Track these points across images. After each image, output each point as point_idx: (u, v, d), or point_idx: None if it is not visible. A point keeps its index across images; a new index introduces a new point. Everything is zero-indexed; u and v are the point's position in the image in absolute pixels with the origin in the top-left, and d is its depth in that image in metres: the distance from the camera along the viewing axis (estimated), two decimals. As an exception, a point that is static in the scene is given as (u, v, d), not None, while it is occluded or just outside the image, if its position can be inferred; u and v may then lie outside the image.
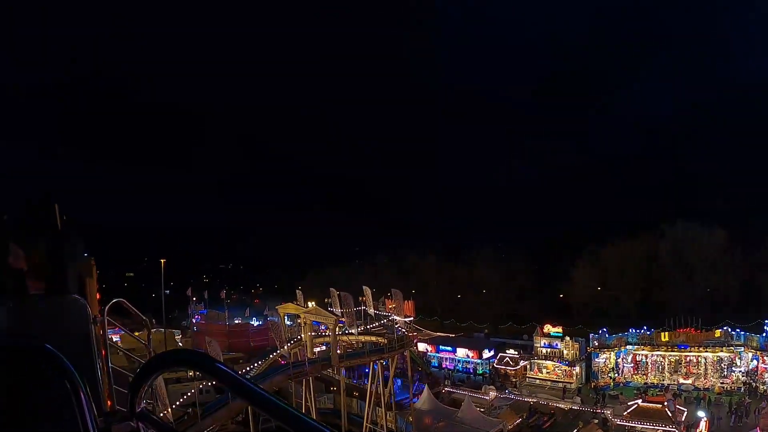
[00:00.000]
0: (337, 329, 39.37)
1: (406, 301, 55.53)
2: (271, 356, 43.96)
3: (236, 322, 75.06)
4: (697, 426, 39.33)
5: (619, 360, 54.90)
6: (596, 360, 54.65)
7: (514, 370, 58.24)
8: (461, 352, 65.48)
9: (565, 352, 54.92)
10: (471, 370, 64.06)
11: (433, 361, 67.13)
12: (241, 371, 30.92)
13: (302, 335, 42.79)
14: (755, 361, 50.52)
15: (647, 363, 54.31)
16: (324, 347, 44.68)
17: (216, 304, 78.34)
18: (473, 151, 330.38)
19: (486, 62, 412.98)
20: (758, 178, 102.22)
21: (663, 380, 53.21)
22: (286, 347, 41.84)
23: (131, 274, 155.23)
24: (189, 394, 32.38)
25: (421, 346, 67.47)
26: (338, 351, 38.76)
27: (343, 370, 42.86)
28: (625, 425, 40.69)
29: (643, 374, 54.25)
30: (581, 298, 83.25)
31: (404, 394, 46.95)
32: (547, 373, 55.80)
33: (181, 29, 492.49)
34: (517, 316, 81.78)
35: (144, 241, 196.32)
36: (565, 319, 67.84)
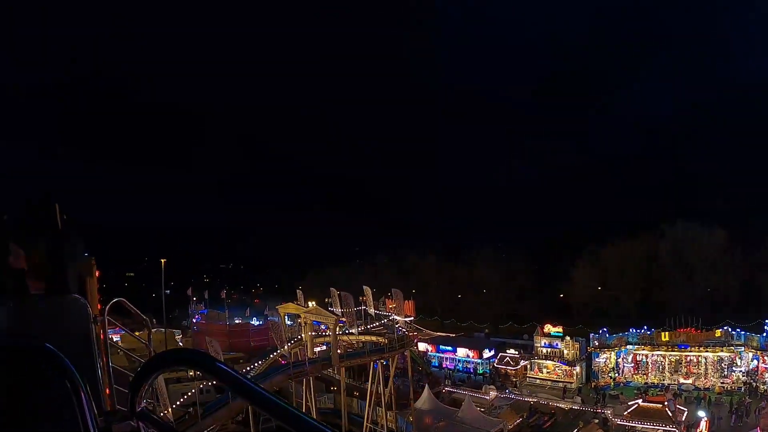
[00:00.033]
0: (337, 329, 39.38)
1: (406, 301, 55.53)
2: (271, 356, 43.98)
3: (236, 321, 75.04)
4: (698, 426, 39.30)
5: (620, 360, 54.88)
6: (596, 360, 54.63)
7: (514, 369, 58.24)
8: (461, 352, 65.47)
9: (565, 351, 54.91)
10: (471, 370, 64.05)
11: (433, 360, 67.14)
12: (242, 371, 30.92)
13: (302, 335, 42.82)
14: (755, 361, 50.50)
15: (647, 363, 54.29)
16: (324, 347, 44.70)
17: (216, 303, 78.37)
18: (473, 151, 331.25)
19: (486, 62, 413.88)
20: (758, 178, 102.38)
21: (663, 380, 53.18)
22: (286, 347, 41.85)
23: (131, 274, 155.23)
24: (189, 393, 32.38)
25: (422, 346, 67.47)
26: (338, 351, 38.77)
27: (343, 370, 42.87)
28: (626, 425, 40.66)
29: (644, 374, 54.23)
30: (581, 298, 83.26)
31: (404, 393, 46.94)
32: (548, 372, 55.79)
33: (181, 29, 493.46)
34: (517, 316, 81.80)
35: (144, 241, 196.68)
36: (566, 319, 67.85)
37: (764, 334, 50.01)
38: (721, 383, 51.16)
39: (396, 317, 51.03)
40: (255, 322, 74.54)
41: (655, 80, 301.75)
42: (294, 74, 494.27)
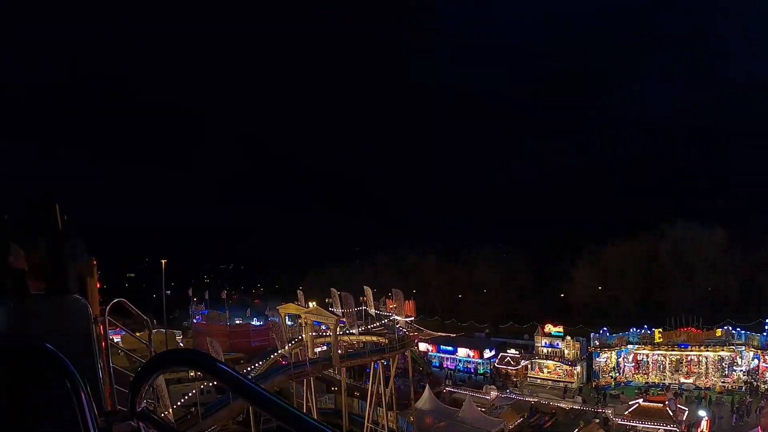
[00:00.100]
0: (338, 329, 39.37)
1: (406, 301, 55.50)
2: (272, 356, 43.94)
3: (237, 322, 75.10)
4: (698, 425, 39.30)
5: (620, 359, 54.88)
6: (597, 359, 54.63)
7: (515, 369, 58.25)
8: (462, 352, 65.47)
9: (566, 351, 54.91)
10: (472, 370, 64.05)
11: (434, 360, 67.14)
12: (243, 371, 30.93)
13: (303, 335, 42.78)
14: (756, 360, 50.49)
15: (648, 362, 54.29)
16: (325, 347, 44.67)
17: (217, 304, 78.35)
18: (473, 151, 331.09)
19: (486, 62, 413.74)
20: (758, 178, 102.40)
21: (664, 379, 53.19)
22: (287, 347, 41.81)
23: (132, 275, 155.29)
24: (190, 394, 32.38)
25: (422, 346, 67.47)
26: (339, 351, 38.77)
27: (344, 370, 42.86)
28: (627, 425, 40.67)
29: (644, 374, 54.24)
30: (581, 298, 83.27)
31: (405, 393, 46.93)
32: (548, 372, 55.79)
33: (181, 29, 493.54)
34: (517, 316, 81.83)
35: (144, 241, 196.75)
36: (566, 318, 67.84)
37: (765, 334, 49.98)
38: (722, 383, 51.15)
39: (396, 317, 50.99)
40: (255, 322, 74.57)
41: (655, 80, 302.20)
42: (294, 74, 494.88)
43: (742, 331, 52.07)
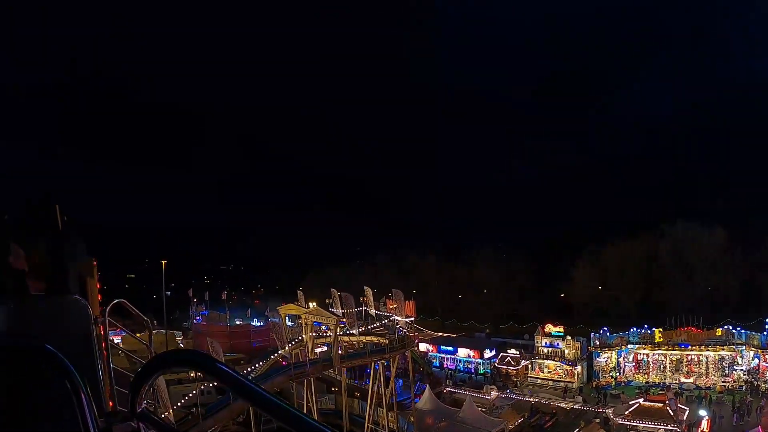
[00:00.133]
0: (338, 330, 39.36)
1: (407, 302, 55.48)
2: (272, 357, 43.94)
3: (237, 323, 75.05)
4: (699, 425, 39.31)
5: (621, 359, 54.87)
6: (597, 359, 54.63)
7: (515, 369, 58.24)
8: (462, 352, 65.46)
9: (566, 351, 54.89)
10: (472, 370, 64.04)
11: (434, 361, 67.12)
12: (243, 372, 30.93)
13: (303, 336, 42.78)
14: (757, 360, 50.49)
15: (648, 362, 54.29)
16: (325, 348, 44.62)
17: (217, 305, 78.27)
18: (473, 151, 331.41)
19: (486, 62, 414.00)
20: (758, 178, 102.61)
21: (664, 379, 53.19)
22: (287, 348, 41.80)
23: (132, 276, 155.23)
24: (190, 395, 32.38)
25: (423, 347, 67.44)
26: (339, 351, 38.75)
27: (344, 371, 42.85)
28: (627, 424, 40.66)
29: (645, 373, 54.24)
30: (581, 298, 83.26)
31: (406, 394, 46.94)
32: (549, 372, 55.78)
33: (181, 29, 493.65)
34: (517, 316, 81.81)
35: (144, 241, 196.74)
36: (566, 318, 67.82)
37: (765, 333, 50.00)
38: (723, 382, 51.17)
39: (397, 318, 50.98)
40: (256, 323, 74.54)
41: (655, 80, 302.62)
42: (294, 74, 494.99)
43: (743, 331, 52.08)
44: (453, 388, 55.14)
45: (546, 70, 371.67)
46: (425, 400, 44.44)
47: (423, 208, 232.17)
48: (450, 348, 67.06)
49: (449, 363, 66.18)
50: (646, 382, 53.24)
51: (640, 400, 41.98)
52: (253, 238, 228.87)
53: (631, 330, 55.71)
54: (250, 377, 32.19)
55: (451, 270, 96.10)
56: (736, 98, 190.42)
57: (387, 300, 56.01)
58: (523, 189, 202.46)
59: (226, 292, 78.48)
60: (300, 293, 58.34)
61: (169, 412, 25.90)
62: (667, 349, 53.44)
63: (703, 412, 41.08)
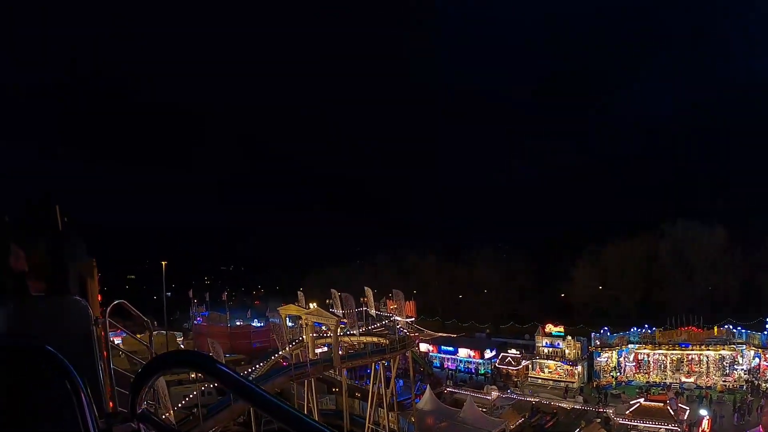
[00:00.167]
0: (338, 330, 39.35)
1: (407, 302, 55.54)
2: (272, 358, 43.96)
3: (238, 323, 75.09)
4: (700, 424, 39.30)
5: (621, 359, 54.86)
6: (598, 359, 54.62)
7: (516, 369, 58.23)
8: (463, 353, 65.45)
9: (566, 351, 54.88)
10: (473, 370, 64.02)
11: (435, 361, 67.11)
12: (243, 373, 30.92)
13: (304, 336, 42.78)
14: (757, 359, 50.50)
15: (649, 362, 54.29)
16: (326, 348, 44.59)
17: (217, 305, 78.32)
18: (473, 151, 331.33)
19: (486, 62, 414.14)
20: (758, 178, 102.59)
21: (665, 379, 53.19)
22: (287, 348, 41.80)
23: (132, 277, 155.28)
24: (191, 396, 32.38)
25: (423, 347, 67.44)
26: (340, 352, 38.75)
27: (344, 371, 42.84)
28: (628, 424, 40.68)
29: (645, 373, 54.23)
30: (582, 298, 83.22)
31: (406, 394, 46.93)
32: (549, 372, 55.77)
33: (181, 29, 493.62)
34: (518, 316, 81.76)
35: (144, 241, 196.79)
36: (566, 318, 67.83)
37: (766, 332, 50.01)
38: (723, 381, 51.16)
39: (397, 318, 50.99)
40: (256, 323, 74.56)
41: (655, 80, 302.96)
42: (294, 74, 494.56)
43: (743, 330, 52.09)
44: (453, 388, 55.14)
45: (546, 70, 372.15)
46: (426, 400, 44.44)
47: (423, 208, 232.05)
48: (450, 348, 67.04)
49: (450, 363, 66.16)
50: (647, 382, 53.23)
51: (641, 400, 42.01)
52: (253, 238, 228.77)
53: (632, 330, 55.71)
54: (251, 378, 32.22)
55: (452, 270, 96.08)
56: (736, 98, 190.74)
57: (387, 300, 56.06)
58: (523, 189, 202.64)
59: (226, 293, 78.59)
60: (300, 294, 58.36)
61: (169, 413, 25.90)
62: (667, 349, 53.44)
63: (703, 412, 41.08)
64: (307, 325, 42.02)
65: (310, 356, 39.18)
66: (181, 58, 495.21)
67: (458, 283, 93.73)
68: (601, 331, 56.25)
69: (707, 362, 52.26)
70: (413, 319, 61.55)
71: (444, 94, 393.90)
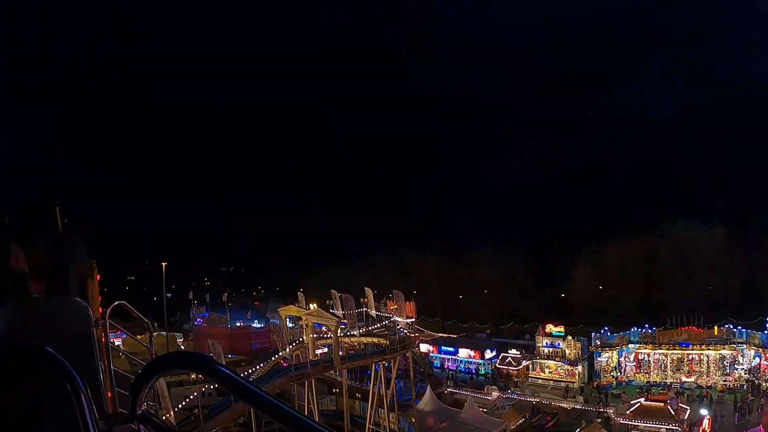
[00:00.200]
0: (339, 331, 39.35)
1: (407, 302, 55.50)
2: (273, 358, 43.95)
3: (238, 324, 75.06)
4: (700, 424, 39.29)
5: (622, 359, 54.85)
6: (598, 359, 54.61)
7: (516, 370, 58.21)
8: (463, 353, 65.44)
9: (567, 351, 54.87)
10: (473, 371, 64.02)
11: (435, 361, 67.10)
12: (244, 374, 30.91)
13: (304, 337, 42.78)
14: (758, 359, 50.49)
15: (649, 361, 54.27)
16: (326, 349, 44.57)
17: (217, 306, 78.32)
18: (473, 151, 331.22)
19: (486, 62, 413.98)
20: (758, 178, 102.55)
21: (665, 379, 53.17)
22: (288, 349, 41.80)
23: (132, 278, 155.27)
24: (191, 397, 32.38)
25: (423, 347, 67.42)
26: (340, 353, 38.74)
27: (345, 372, 42.85)
28: (628, 424, 40.67)
29: (646, 373, 54.22)
30: (582, 298, 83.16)
31: (407, 395, 46.92)
32: (550, 372, 55.76)
33: (181, 29, 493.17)
34: (518, 316, 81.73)
35: (144, 242, 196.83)
36: (566, 318, 67.77)
37: (766, 332, 50.01)
38: (724, 381, 51.15)
39: (397, 318, 50.98)
40: (256, 324, 74.56)
41: (655, 80, 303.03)
42: (294, 74, 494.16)
43: (744, 330, 52.08)
44: (454, 388, 55.17)
45: (546, 70, 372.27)
46: (426, 400, 44.44)
47: (423, 208, 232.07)
48: (451, 348, 67.03)
49: (450, 364, 66.15)
50: (647, 382, 53.21)
51: (642, 400, 42.00)
52: (253, 238, 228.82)
53: (632, 330, 55.69)
54: (251, 379, 32.23)
55: (452, 270, 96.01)
56: (736, 98, 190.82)
57: (387, 301, 56.02)
58: (523, 189, 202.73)
59: (226, 294, 78.59)
60: (300, 295, 58.35)
61: (170, 414, 25.90)
62: (668, 349, 53.43)
63: (704, 412, 41.07)
64: (307, 325, 42.04)
65: (311, 357, 39.20)
66: (181, 58, 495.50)
67: (458, 284, 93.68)
68: (602, 331, 56.23)
69: (708, 362, 52.25)
70: (413, 319, 61.45)
71: (444, 94, 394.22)
